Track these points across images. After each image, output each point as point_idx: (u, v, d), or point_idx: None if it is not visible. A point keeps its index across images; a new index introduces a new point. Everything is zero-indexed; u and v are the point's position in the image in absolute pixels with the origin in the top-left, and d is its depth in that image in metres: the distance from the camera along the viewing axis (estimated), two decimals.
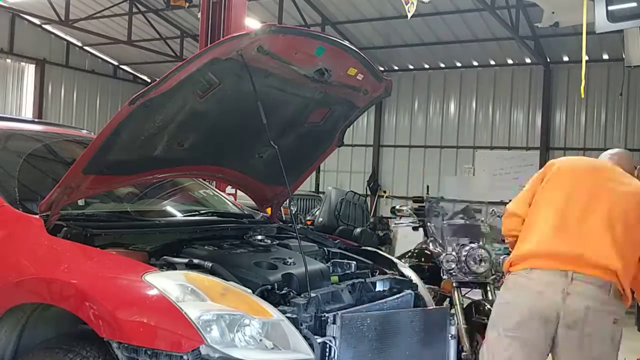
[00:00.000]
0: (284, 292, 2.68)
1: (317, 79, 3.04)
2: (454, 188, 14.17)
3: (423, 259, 5.25)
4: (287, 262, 3.01)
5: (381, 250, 4.04)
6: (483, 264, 4.88)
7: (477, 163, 14.38)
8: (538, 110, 13.78)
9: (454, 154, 14.76)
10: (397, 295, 3.20)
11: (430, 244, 5.27)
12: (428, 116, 15.19)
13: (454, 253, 4.87)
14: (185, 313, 2.22)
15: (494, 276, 4.96)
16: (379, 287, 3.24)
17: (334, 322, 2.49)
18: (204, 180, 4.43)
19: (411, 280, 3.51)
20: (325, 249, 3.63)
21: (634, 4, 4.47)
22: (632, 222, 2.88)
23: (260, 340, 2.30)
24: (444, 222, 5.23)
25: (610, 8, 4.42)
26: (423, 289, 3.62)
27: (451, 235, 5.08)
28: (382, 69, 15.54)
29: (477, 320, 4.53)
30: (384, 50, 14.74)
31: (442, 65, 14.85)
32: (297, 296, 2.67)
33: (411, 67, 15.30)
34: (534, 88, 13.87)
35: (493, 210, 5.91)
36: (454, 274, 4.83)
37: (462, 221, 5.25)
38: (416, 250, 5.44)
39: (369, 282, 3.17)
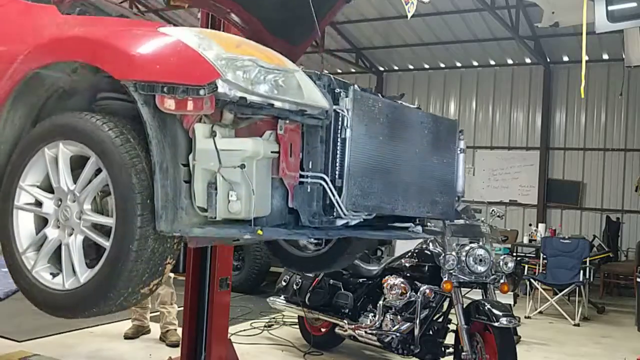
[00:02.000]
0: None
1: None
2: None
3: (423, 259, 5.25)
4: None
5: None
6: (483, 264, 4.89)
7: (477, 163, 14.38)
8: (538, 110, 13.77)
9: None
10: None
11: (430, 244, 5.27)
12: None
13: (454, 253, 4.88)
14: (201, 53, 2.22)
15: (494, 276, 4.97)
16: None
17: (347, 96, 2.51)
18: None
19: None
20: None
21: (634, 4, 4.46)
22: None
23: (275, 87, 2.30)
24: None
25: (610, 8, 4.42)
26: None
27: (451, 235, 5.09)
28: (382, 69, 15.55)
29: (477, 320, 4.54)
30: (384, 50, 14.74)
31: (442, 65, 14.84)
32: None
33: (411, 67, 15.28)
34: (534, 88, 13.86)
35: (493, 210, 5.92)
36: (454, 274, 4.84)
37: (462, 221, 5.26)
38: (416, 250, 5.44)
39: None
